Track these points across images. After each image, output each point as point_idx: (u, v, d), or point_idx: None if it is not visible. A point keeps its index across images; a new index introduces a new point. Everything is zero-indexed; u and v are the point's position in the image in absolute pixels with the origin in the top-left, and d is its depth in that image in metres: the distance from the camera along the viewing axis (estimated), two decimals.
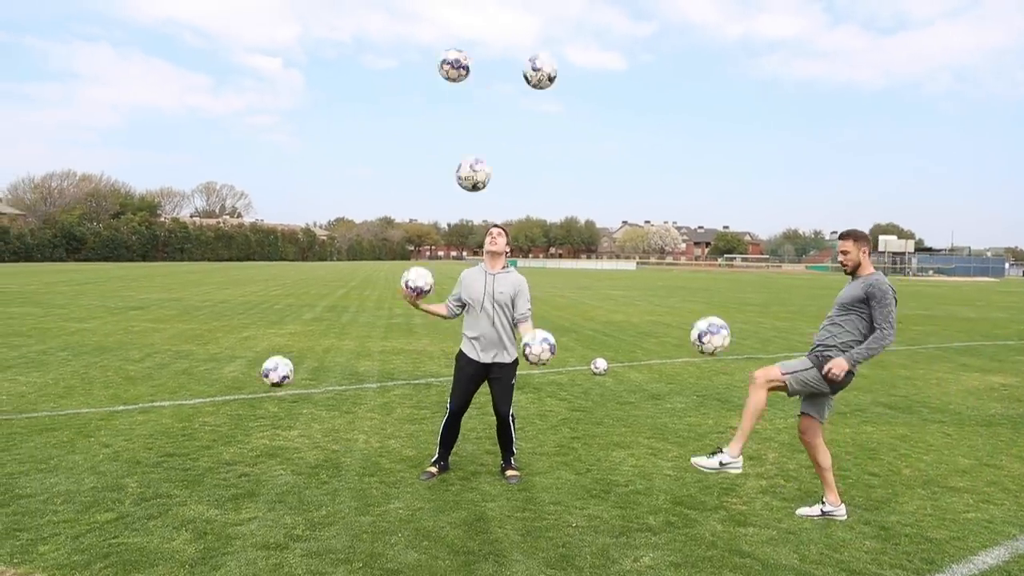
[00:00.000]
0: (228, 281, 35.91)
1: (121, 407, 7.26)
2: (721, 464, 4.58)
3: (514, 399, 5.39)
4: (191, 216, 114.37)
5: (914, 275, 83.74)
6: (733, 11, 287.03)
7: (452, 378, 5.45)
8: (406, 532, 4.22)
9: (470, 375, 5.31)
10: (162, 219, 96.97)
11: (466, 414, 5.43)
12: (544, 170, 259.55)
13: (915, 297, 33.07)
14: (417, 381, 9.02)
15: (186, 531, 4.15)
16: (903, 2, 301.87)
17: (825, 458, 4.70)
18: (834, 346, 4.57)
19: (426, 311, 5.39)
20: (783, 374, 4.59)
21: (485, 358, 5.26)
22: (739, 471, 4.65)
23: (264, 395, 8.00)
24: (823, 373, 4.53)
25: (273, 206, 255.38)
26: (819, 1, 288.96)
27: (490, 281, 5.31)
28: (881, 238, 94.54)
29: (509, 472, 5.35)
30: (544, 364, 4.97)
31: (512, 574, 3.71)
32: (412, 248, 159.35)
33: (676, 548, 4.09)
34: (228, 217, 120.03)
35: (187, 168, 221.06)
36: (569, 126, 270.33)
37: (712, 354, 4.79)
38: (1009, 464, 5.87)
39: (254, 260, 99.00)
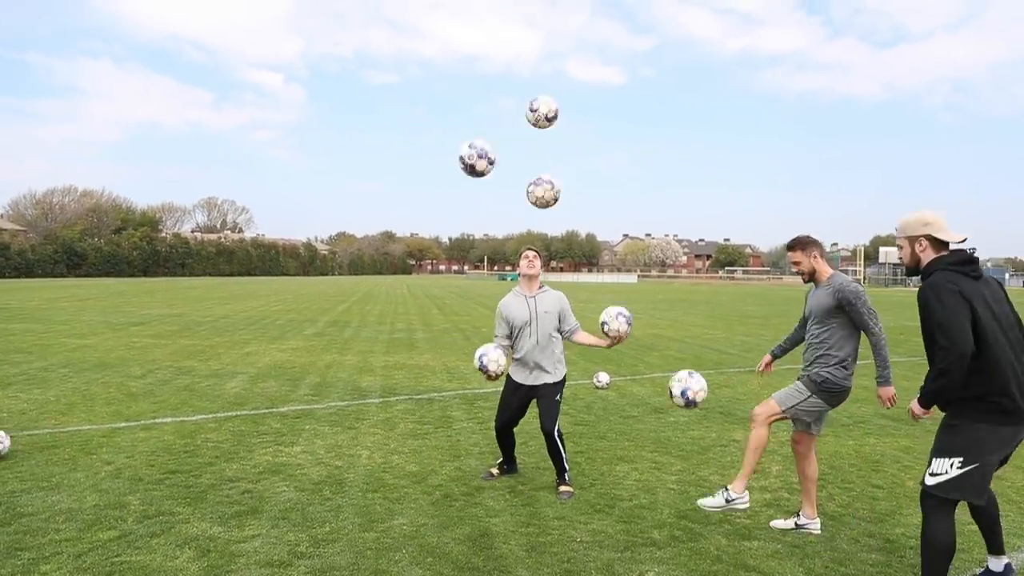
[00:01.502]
0: (229, 296, 35.94)
1: (123, 424, 7.25)
2: (727, 501, 4.64)
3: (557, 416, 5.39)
4: (192, 231, 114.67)
5: (914, 286, 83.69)
6: (733, 26, 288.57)
7: (500, 399, 5.57)
8: (410, 548, 4.21)
9: (517, 399, 5.41)
10: (163, 234, 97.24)
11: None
12: None
13: (915, 307, 33.02)
14: (420, 396, 9.01)
15: (189, 549, 4.14)
16: (902, 15, 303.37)
17: (813, 470, 4.70)
18: (832, 366, 4.55)
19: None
20: (783, 411, 4.60)
21: (531, 380, 5.35)
22: (746, 507, 4.67)
23: (266, 411, 7.99)
24: (884, 405, 4.53)
25: (274, 221, 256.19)
26: (818, 14, 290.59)
27: (532, 304, 5.37)
28: (882, 249, 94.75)
29: (562, 488, 5.32)
30: (623, 337, 5.21)
31: None
32: (413, 262, 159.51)
33: (681, 562, 4.07)
34: (229, 232, 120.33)
35: (188, 183, 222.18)
36: (570, 140, 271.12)
37: (695, 404, 4.89)
38: (1012, 475, 5.85)
39: (255, 275, 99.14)
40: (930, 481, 3.47)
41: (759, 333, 18.87)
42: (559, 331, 5.42)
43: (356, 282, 72.36)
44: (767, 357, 5.14)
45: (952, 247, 3.59)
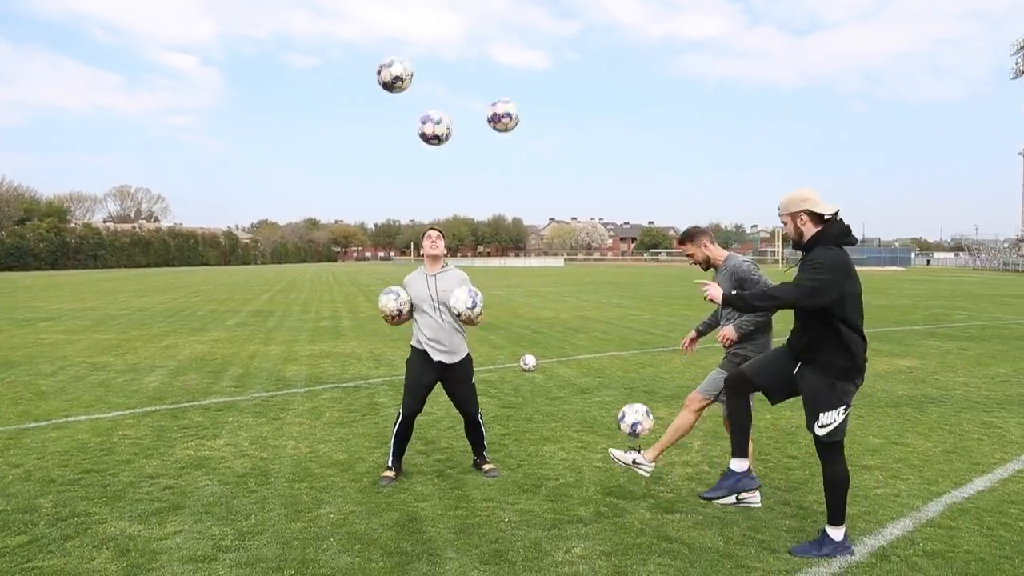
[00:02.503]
0: (146, 288, 34.66)
1: (32, 424, 6.94)
2: (634, 462, 4.73)
3: (444, 398, 5.44)
4: (104, 221, 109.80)
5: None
6: (656, 11, 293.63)
7: (404, 382, 5.41)
8: (338, 536, 4.19)
9: (423, 378, 5.31)
10: (72, 225, 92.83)
11: (398, 415, 5.42)
12: (471, 168, 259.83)
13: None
14: (346, 384, 8.93)
15: (107, 549, 4.02)
16: (816, 4, 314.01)
17: (687, 425, 4.81)
18: (749, 342, 4.73)
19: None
20: (714, 397, 4.73)
21: (438, 358, 5.28)
22: (647, 475, 4.79)
23: (187, 405, 7.78)
24: (720, 341, 4.74)
25: (192, 209, 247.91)
26: (738, 2, 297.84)
27: (431, 282, 5.32)
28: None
29: (486, 467, 5.40)
30: (475, 315, 5.13)
31: (446, 572, 3.74)
32: (338, 250, 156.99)
33: (606, 537, 4.19)
34: (144, 222, 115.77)
35: (98, 171, 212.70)
36: None
37: (636, 437, 5.04)
38: (914, 441, 6.22)
39: (173, 266, 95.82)
40: (822, 432, 3.97)
41: (683, 313, 19.37)
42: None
43: (280, 271, 70.75)
44: (692, 333, 5.26)
45: (826, 218, 3.97)
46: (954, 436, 6.39)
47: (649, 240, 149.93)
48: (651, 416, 5.10)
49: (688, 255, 4.94)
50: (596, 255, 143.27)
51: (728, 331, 4.72)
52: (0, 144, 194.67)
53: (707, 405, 4.81)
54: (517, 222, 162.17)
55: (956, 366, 10.28)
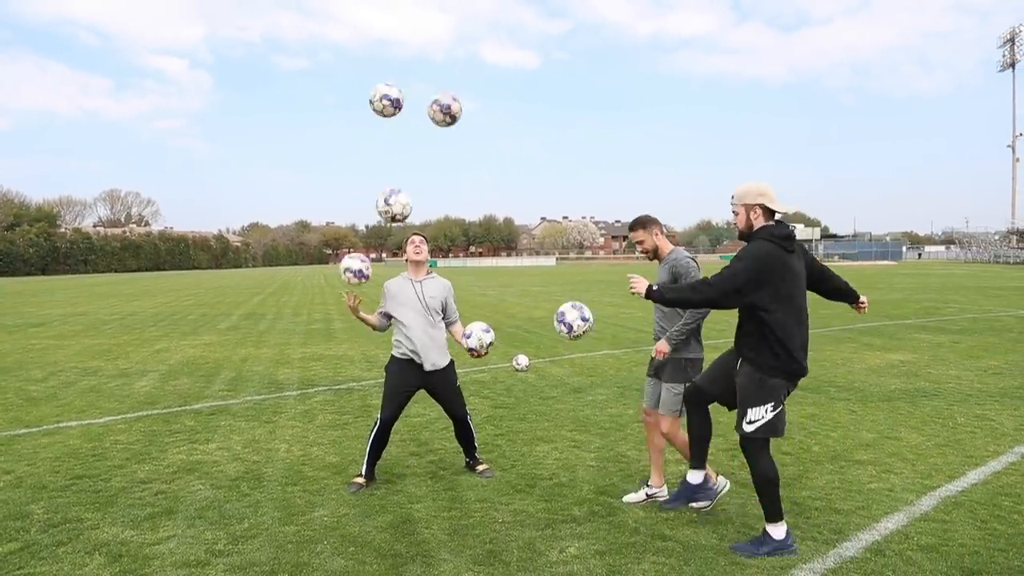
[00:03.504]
0: (137, 292, 34.51)
1: (23, 430, 6.89)
2: (647, 496, 4.74)
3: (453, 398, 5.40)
4: (94, 226, 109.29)
5: (821, 260, 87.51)
6: (644, 9, 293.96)
7: (384, 388, 5.31)
8: (332, 539, 4.18)
9: (404, 384, 5.24)
10: (62, 230, 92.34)
11: (374, 421, 5.37)
12: (462, 169, 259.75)
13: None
14: (339, 387, 8.90)
15: (99, 555, 3.99)
16: (804, 0, 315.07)
17: (661, 441, 4.84)
18: (682, 350, 4.68)
19: (362, 320, 5.30)
20: (680, 414, 4.65)
21: (426, 365, 5.21)
22: (666, 497, 4.78)
23: (179, 409, 7.74)
24: (653, 356, 4.71)
25: (183, 213, 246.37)
26: None
27: (419, 288, 5.29)
28: (790, 226, 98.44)
29: (480, 467, 5.40)
30: (486, 352, 5.15)
31: (440, 573, 3.72)
32: (330, 252, 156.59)
33: (600, 536, 4.18)
34: (135, 226, 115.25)
35: (88, 175, 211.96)
36: (486, 124, 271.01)
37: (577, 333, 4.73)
38: (907, 435, 6.23)
39: (164, 269, 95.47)
40: (749, 428, 3.98)
41: None
42: (440, 319, 5.38)
43: (271, 273, 70.56)
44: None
45: (777, 217, 4.07)
46: (947, 429, 6.41)
47: None
48: (490, 332, 5.23)
49: (638, 241, 4.88)
50: (588, 254, 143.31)
51: (661, 345, 4.66)
52: None
53: (679, 419, 4.73)
54: (508, 222, 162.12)
55: (948, 359, 10.32)
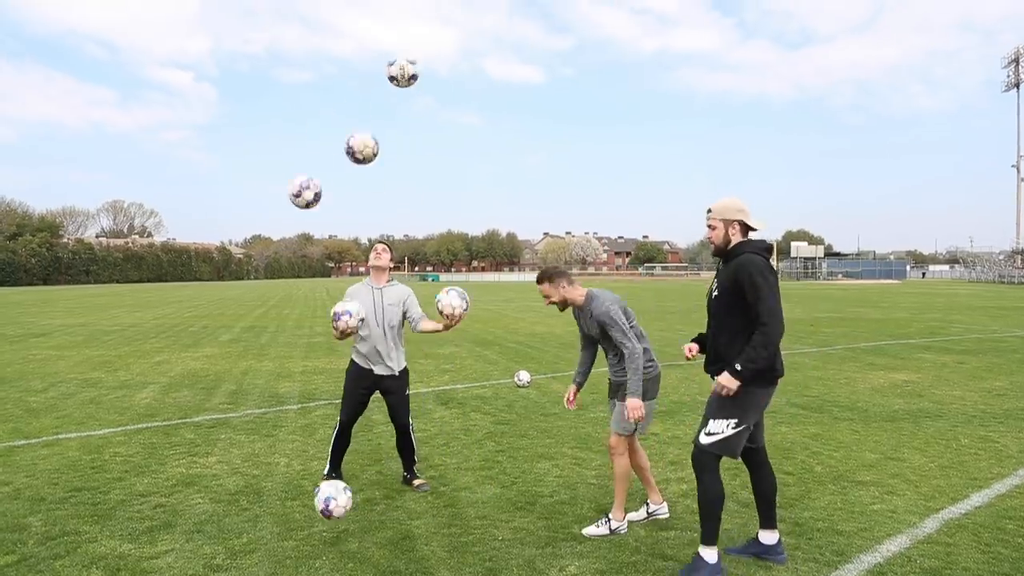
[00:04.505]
0: (139, 304, 34.53)
1: (22, 441, 6.87)
2: (611, 531, 4.53)
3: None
4: (97, 236, 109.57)
5: (824, 279, 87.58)
6: (649, 26, 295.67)
7: (343, 391, 5.52)
8: (331, 555, 4.15)
9: (361, 387, 5.43)
10: (65, 240, 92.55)
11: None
12: (465, 183, 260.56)
13: (825, 300, 34.57)
14: (339, 401, 8.85)
15: (97, 568, 3.97)
16: (809, 18, 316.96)
17: (643, 459, 4.86)
18: (622, 381, 4.60)
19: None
20: (631, 432, 4.60)
21: (377, 369, 5.38)
22: (667, 515, 4.78)
23: (179, 422, 7.72)
24: (629, 418, 4.50)
25: (186, 225, 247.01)
26: (731, 16, 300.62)
27: (378, 295, 5.42)
28: (793, 244, 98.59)
29: (417, 482, 5.44)
30: (457, 315, 5.09)
31: None
32: (332, 264, 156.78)
33: (601, 555, 4.15)
34: (137, 237, 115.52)
35: (92, 186, 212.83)
36: (489, 139, 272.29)
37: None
38: (911, 456, 6.20)
39: (167, 281, 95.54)
40: (705, 440, 3.90)
41: (678, 328, 19.36)
42: (404, 322, 5.49)
43: (273, 286, 70.64)
44: (572, 388, 5.09)
45: (751, 235, 4.05)
46: (951, 451, 6.38)
47: (643, 254, 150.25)
48: (347, 492, 4.18)
49: (545, 296, 4.75)
50: (591, 270, 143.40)
51: (634, 404, 4.42)
52: None
53: (631, 439, 4.69)
54: (511, 237, 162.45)
55: (952, 380, 10.28)
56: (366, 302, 5.37)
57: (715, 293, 4.04)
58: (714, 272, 4.32)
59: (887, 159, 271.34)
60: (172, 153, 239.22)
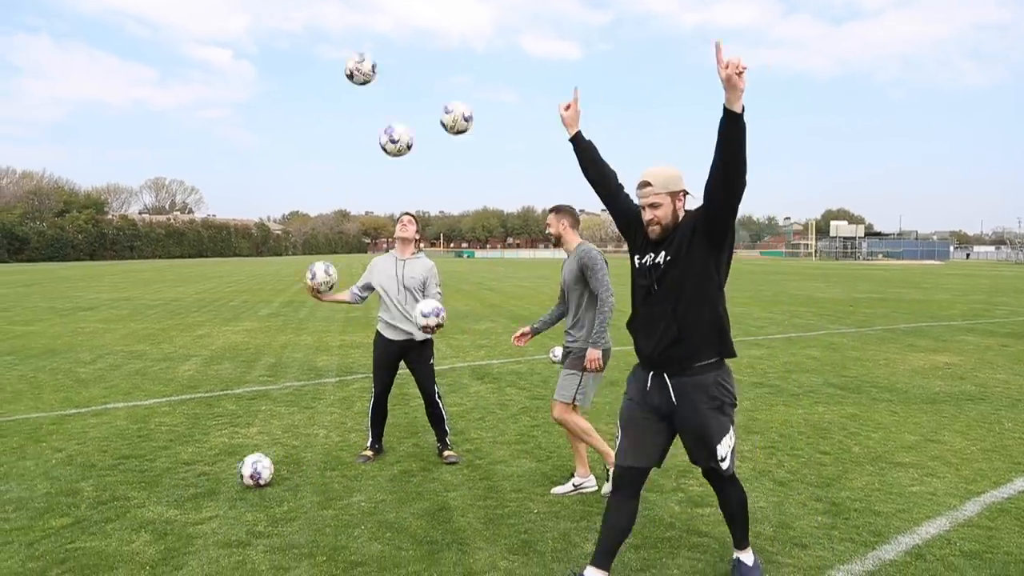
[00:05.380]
0: (180, 278, 35.23)
1: (73, 410, 7.11)
2: (574, 487, 4.80)
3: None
4: (140, 213, 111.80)
5: (864, 259, 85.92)
6: (688, 0, 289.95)
7: (372, 362, 5.65)
8: (369, 525, 4.24)
9: (387, 358, 5.54)
10: (109, 217, 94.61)
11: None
12: (501, 160, 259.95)
13: (864, 280, 33.95)
14: None
15: (146, 532, 4.11)
16: None
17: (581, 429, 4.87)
18: (573, 348, 4.76)
19: (331, 300, 5.51)
20: (571, 402, 4.72)
21: (399, 339, 5.47)
22: (594, 489, 4.83)
23: (221, 393, 7.91)
24: (587, 368, 4.66)
25: (225, 201, 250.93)
26: None
27: (400, 266, 5.52)
28: (832, 223, 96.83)
29: (447, 453, 5.51)
30: (431, 330, 5.08)
31: (475, 562, 3.76)
32: (368, 241, 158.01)
33: (635, 530, 4.17)
34: (179, 213, 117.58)
35: (134, 163, 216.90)
36: (526, 115, 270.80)
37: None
38: (951, 439, 6.10)
39: (207, 256, 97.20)
40: (726, 465, 3.33)
41: None
42: (419, 298, 5.52)
43: (311, 261, 71.53)
44: (525, 328, 5.14)
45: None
46: (993, 434, 6.27)
47: None
48: (266, 460, 4.90)
49: (547, 224, 5.04)
50: (625, 247, 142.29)
51: (593, 355, 4.62)
52: (42, 138, 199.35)
53: (573, 408, 4.79)
54: (546, 214, 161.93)
55: (996, 363, 10.07)
56: (388, 273, 5.49)
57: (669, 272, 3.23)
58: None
59: (932, 136, 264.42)
60: (212, 130, 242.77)
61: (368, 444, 5.62)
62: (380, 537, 4.07)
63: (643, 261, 3.34)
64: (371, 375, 5.80)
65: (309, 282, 5.28)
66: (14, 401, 7.52)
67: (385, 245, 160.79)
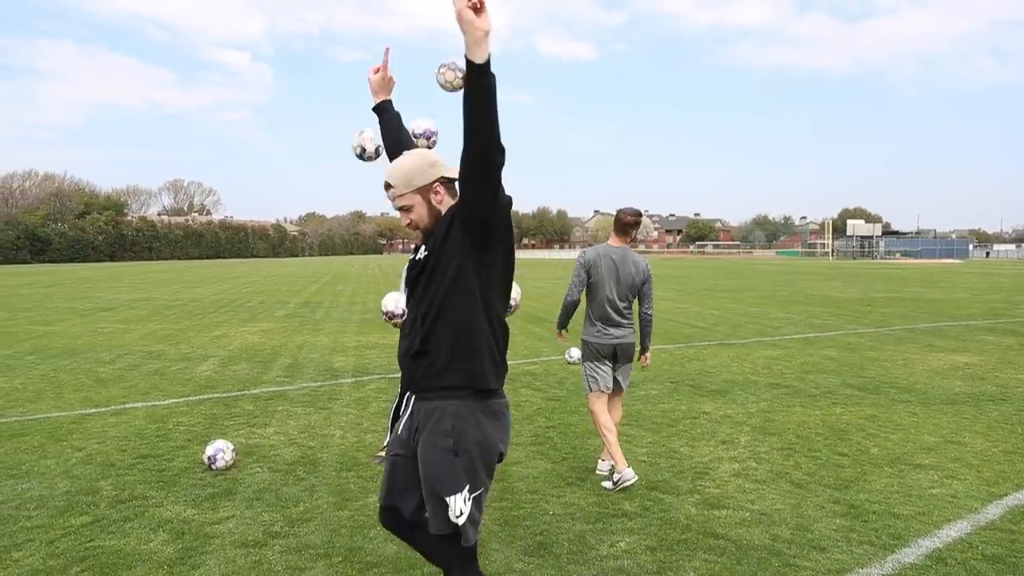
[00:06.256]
0: (198, 279, 35.50)
1: (93, 410, 7.18)
2: (615, 483, 4.86)
3: None
4: (159, 214, 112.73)
5: (881, 258, 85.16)
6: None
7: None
8: None
9: None
10: (129, 218, 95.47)
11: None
12: (515, 160, 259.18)
13: (882, 279, 33.64)
14: (393, 375, 9.02)
15: (164, 532, 4.14)
16: None
17: (615, 418, 5.28)
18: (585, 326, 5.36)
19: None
20: (591, 391, 5.16)
21: None
22: (634, 479, 4.85)
23: (238, 394, 7.96)
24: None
25: (243, 202, 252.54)
26: None
27: None
28: (849, 222, 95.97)
29: None
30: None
31: (490, 563, 3.76)
32: (384, 242, 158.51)
33: (651, 532, 4.16)
34: (197, 215, 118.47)
35: (153, 166, 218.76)
36: (540, 116, 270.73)
37: None
38: (972, 440, 6.03)
39: (224, 258, 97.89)
40: (461, 521, 2.56)
41: (729, 307, 19.10)
42: None
43: (327, 263, 71.77)
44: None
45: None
46: (1015, 436, 6.18)
47: (695, 232, 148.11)
48: (230, 448, 5.30)
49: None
50: (642, 247, 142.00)
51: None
52: (64, 141, 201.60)
53: (604, 396, 5.14)
54: (562, 214, 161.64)
55: (1017, 363, 9.94)
56: None
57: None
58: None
59: (949, 134, 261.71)
60: (229, 132, 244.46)
61: (385, 444, 5.61)
62: (395, 539, 4.06)
63: (412, 259, 2.76)
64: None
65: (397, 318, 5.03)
66: (36, 400, 7.60)
67: (400, 246, 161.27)
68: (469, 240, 2.52)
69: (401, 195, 2.67)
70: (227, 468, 5.21)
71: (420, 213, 2.68)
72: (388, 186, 2.70)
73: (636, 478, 4.85)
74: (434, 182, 2.66)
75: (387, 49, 3.13)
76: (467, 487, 2.54)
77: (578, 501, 4.66)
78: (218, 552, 3.89)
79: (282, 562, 3.78)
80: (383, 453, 5.32)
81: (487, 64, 2.30)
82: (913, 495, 4.74)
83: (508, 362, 2.74)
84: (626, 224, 5.14)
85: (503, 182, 2.49)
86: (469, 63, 2.30)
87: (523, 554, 3.87)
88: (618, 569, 3.70)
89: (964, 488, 4.88)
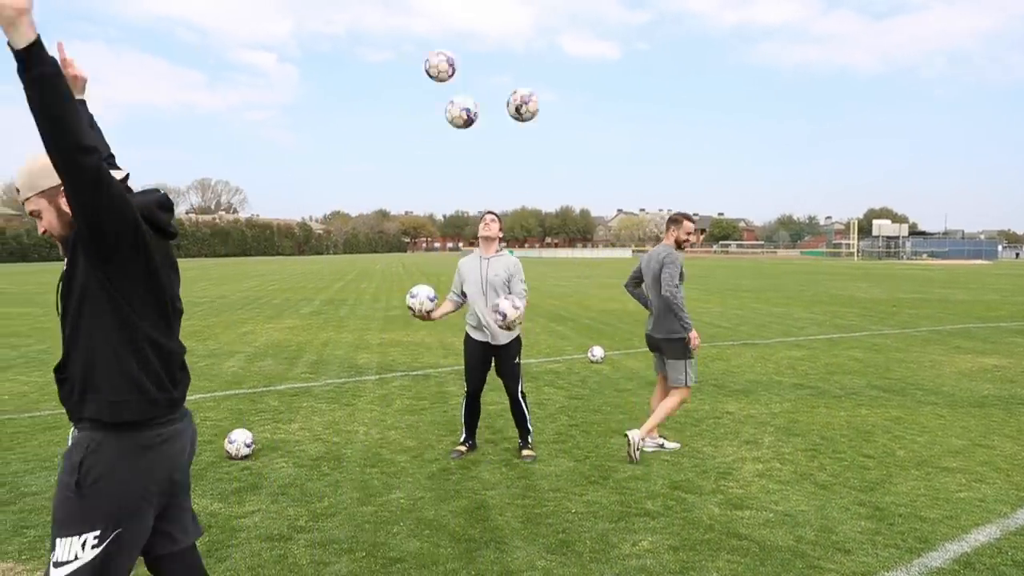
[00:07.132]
0: (225, 277, 35.89)
1: None
2: (661, 446, 5.64)
3: (521, 379, 5.65)
4: (186, 213, 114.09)
5: (908, 259, 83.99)
6: None
7: (464, 363, 5.74)
8: (408, 521, 4.28)
9: (477, 357, 5.61)
10: None
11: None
12: (539, 160, 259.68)
13: (908, 280, 33.19)
14: (416, 372, 9.07)
15: None
16: None
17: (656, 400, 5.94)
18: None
19: (441, 315, 5.50)
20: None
21: (486, 339, 5.53)
22: (677, 445, 5.73)
23: (264, 389, 8.05)
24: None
25: (269, 201, 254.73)
26: None
27: (484, 265, 5.55)
28: (875, 222, 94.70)
29: (524, 452, 5.57)
30: (512, 323, 5.10)
31: (513, 560, 3.78)
32: (408, 240, 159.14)
33: (674, 532, 4.15)
34: (224, 213, 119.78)
35: (182, 165, 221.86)
36: (565, 115, 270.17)
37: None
38: (1001, 444, 5.94)
39: (250, 255, 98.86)
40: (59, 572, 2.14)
41: (752, 307, 18.96)
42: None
43: (351, 261, 72.23)
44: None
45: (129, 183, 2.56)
46: None
47: (719, 232, 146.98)
48: (248, 448, 5.53)
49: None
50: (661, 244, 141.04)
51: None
52: None
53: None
54: (585, 213, 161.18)
55: None
56: (473, 275, 5.56)
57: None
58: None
59: (980, 132, 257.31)
60: (256, 132, 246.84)
61: (461, 439, 5.74)
62: (419, 534, 4.11)
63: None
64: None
65: (420, 308, 5.31)
66: None
67: (424, 245, 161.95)
68: (86, 252, 2.18)
69: (27, 199, 2.28)
70: (247, 449, 5.47)
71: (50, 219, 2.27)
72: (16, 189, 2.32)
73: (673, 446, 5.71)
74: (61, 184, 2.18)
75: (60, 44, 2.46)
76: (91, 531, 2.14)
77: (601, 500, 4.66)
78: (243, 545, 3.94)
79: (306, 556, 3.82)
80: (462, 448, 5.59)
81: (34, 49, 1.88)
82: (940, 498, 4.68)
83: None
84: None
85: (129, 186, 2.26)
86: (13, 52, 1.89)
87: (545, 552, 3.88)
88: (640, 568, 3.70)
89: (993, 492, 4.81)
